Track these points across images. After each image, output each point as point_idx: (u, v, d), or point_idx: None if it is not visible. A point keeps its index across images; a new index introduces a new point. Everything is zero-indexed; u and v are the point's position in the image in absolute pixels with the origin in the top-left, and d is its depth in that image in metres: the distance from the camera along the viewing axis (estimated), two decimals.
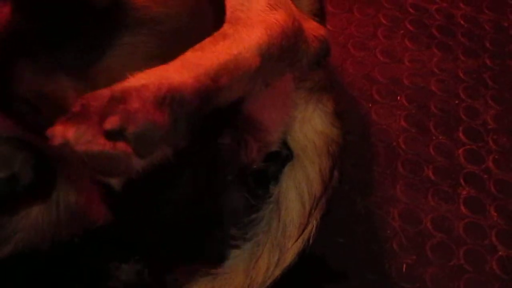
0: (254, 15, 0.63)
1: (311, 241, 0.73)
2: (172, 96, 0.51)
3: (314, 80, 0.76)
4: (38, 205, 0.60)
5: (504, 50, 1.24)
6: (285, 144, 0.75)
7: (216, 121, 0.62)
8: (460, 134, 1.08)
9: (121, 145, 0.48)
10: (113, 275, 0.67)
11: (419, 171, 1.02)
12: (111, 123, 0.47)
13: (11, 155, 0.56)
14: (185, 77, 0.53)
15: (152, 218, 0.66)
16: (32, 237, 0.62)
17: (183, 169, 0.65)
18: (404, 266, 0.90)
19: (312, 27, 0.71)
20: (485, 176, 1.02)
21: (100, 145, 0.47)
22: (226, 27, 0.63)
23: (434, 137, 1.07)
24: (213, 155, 0.69)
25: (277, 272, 0.71)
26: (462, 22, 1.28)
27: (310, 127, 0.76)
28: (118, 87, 0.51)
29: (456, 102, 1.13)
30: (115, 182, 0.50)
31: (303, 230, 0.73)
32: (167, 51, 0.61)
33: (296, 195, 0.74)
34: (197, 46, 0.59)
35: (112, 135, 0.48)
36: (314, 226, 0.73)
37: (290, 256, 0.72)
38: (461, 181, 1.01)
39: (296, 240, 0.72)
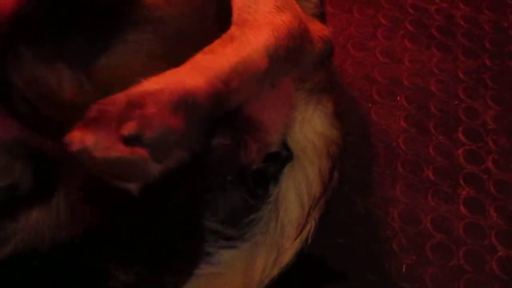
0: (261, 17, 0.64)
1: (309, 241, 0.73)
2: (186, 100, 0.51)
3: (314, 81, 0.76)
4: (38, 209, 0.61)
5: (504, 51, 1.24)
6: (285, 144, 0.75)
7: (215, 122, 0.62)
8: (460, 135, 1.08)
9: (138, 151, 0.48)
10: (113, 275, 0.67)
11: (419, 171, 1.02)
12: (129, 129, 0.48)
13: (11, 164, 0.56)
14: (197, 81, 0.54)
15: (150, 218, 0.66)
16: (32, 237, 0.62)
17: (182, 169, 0.65)
18: (404, 266, 0.90)
19: (317, 28, 0.72)
20: (485, 176, 1.02)
21: (119, 151, 0.47)
22: (233, 29, 0.63)
23: (434, 138, 1.07)
24: (212, 156, 0.69)
25: (275, 271, 0.71)
26: (461, 22, 1.28)
27: (310, 128, 0.76)
28: (134, 92, 0.51)
29: (456, 102, 1.13)
30: (132, 187, 0.50)
31: (301, 231, 0.73)
32: (171, 51, 0.61)
33: (296, 195, 0.74)
34: (207, 49, 0.59)
35: (130, 141, 0.48)
36: (313, 226, 0.73)
37: (288, 256, 0.72)
38: (461, 181, 1.01)
39: (294, 240, 0.72)
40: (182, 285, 0.71)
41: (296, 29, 0.64)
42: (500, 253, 0.92)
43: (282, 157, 0.75)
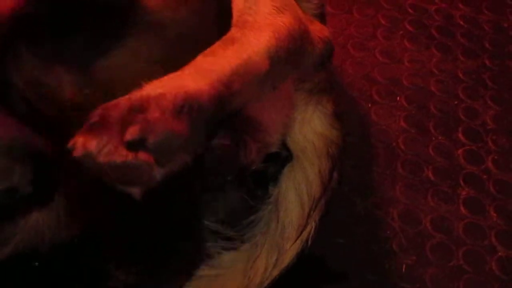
0: (261, 18, 0.64)
1: (309, 242, 0.73)
2: (189, 104, 0.51)
3: (314, 81, 0.76)
4: (38, 209, 0.61)
5: (504, 51, 1.24)
6: (284, 145, 0.76)
7: (218, 124, 0.62)
8: (460, 135, 1.08)
9: (142, 155, 0.48)
10: (113, 275, 0.67)
11: (418, 171, 1.02)
12: (132, 133, 0.48)
13: (10, 167, 0.56)
14: (200, 84, 0.54)
15: (150, 218, 0.66)
16: (32, 238, 0.62)
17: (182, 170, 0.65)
18: (404, 266, 0.90)
19: (317, 29, 0.72)
20: (485, 176, 1.02)
21: (122, 155, 0.47)
22: (233, 31, 0.63)
23: (433, 138, 1.07)
24: (212, 156, 0.69)
25: (275, 272, 0.71)
26: (461, 22, 1.28)
27: (309, 128, 0.76)
28: (136, 96, 0.51)
29: (456, 102, 1.13)
30: (135, 192, 0.50)
31: (302, 232, 0.73)
32: (171, 54, 0.61)
33: (295, 196, 0.74)
34: (207, 51, 0.59)
35: (133, 145, 0.48)
36: (313, 227, 0.73)
37: (288, 257, 0.72)
38: (461, 181, 1.01)
39: (295, 241, 0.72)
40: (182, 286, 0.71)
41: (296, 30, 0.64)
42: (500, 254, 0.92)
43: (282, 157, 0.75)
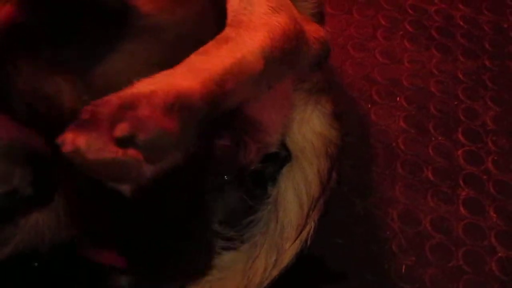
0: (256, 18, 0.63)
1: (309, 242, 0.73)
2: (180, 102, 0.51)
3: (313, 81, 0.77)
4: (38, 211, 0.61)
5: (504, 51, 1.24)
6: (283, 145, 0.76)
7: (215, 122, 0.62)
8: (460, 135, 1.08)
9: (132, 152, 0.48)
10: (112, 275, 0.67)
11: (418, 172, 1.02)
12: (121, 130, 0.47)
13: (10, 170, 0.56)
14: (191, 83, 0.53)
15: (150, 218, 0.66)
16: (32, 238, 0.63)
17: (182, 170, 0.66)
18: (404, 267, 0.90)
19: (312, 29, 0.71)
20: (485, 177, 1.02)
21: (112, 152, 0.47)
22: (228, 30, 0.63)
23: (433, 138, 1.07)
24: (212, 156, 0.69)
25: (275, 272, 0.71)
26: (461, 23, 1.28)
27: (308, 128, 0.76)
28: (127, 93, 0.51)
29: (456, 103, 1.13)
30: (125, 189, 0.50)
31: (301, 232, 0.73)
32: (169, 57, 0.61)
33: (294, 196, 0.74)
34: (201, 50, 0.59)
35: (123, 142, 0.48)
36: (312, 227, 0.74)
37: (287, 257, 0.72)
38: (461, 182, 1.01)
39: (294, 241, 0.72)
40: (182, 286, 0.71)
41: (291, 31, 0.64)
42: (499, 254, 0.92)
43: (281, 157, 0.75)
